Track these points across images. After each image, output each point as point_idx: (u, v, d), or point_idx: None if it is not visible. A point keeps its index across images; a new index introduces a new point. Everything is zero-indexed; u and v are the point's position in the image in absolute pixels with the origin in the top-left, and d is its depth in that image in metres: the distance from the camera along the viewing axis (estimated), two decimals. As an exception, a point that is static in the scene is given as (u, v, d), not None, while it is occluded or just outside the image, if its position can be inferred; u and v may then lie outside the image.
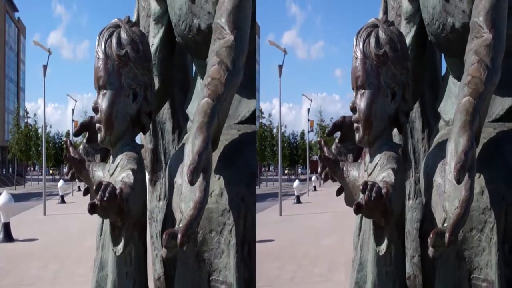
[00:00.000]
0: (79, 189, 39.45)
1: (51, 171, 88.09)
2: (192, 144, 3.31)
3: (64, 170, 11.38)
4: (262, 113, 70.45)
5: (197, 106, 3.52)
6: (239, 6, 3.80)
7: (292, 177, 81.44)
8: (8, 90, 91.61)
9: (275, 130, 63.33)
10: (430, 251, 3.11)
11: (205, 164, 3.27)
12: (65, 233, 17.56)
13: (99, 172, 3.80)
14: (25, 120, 63.92)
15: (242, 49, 3.73)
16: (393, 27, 3.60)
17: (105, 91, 3.59)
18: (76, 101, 57.83)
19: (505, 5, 3.65)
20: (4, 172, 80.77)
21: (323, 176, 3.89)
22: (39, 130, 59.39)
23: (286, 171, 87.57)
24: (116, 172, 3.56)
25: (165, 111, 4.58)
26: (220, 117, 3.50)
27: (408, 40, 4.05)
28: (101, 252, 3.60)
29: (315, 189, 43.19)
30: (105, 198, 3.04)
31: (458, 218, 3.04)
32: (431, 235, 3.02)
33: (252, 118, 4.13)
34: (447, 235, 2.99)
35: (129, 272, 3.54)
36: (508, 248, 3.45)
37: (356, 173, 3.71)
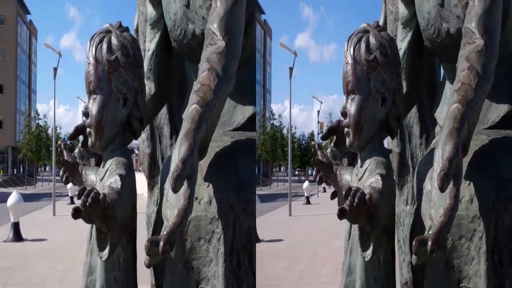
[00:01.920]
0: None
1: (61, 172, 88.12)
2: (178, 151, 3.29)
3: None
4: (273, 114, 70.61)
5: (186, 112, 3.50)
6: (231, 12, 3.76)
7: (303, 178, 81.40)
8: (20, 92, 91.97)
9: (285, 131, 63.31)
10: (413, 258, 3.12)
11: (190, 171, 3.25)
12: (74, 234, 17.53)
13: (92, 176, 3.81)
14: (36, 121, 64.06)
15: (233, 55, 3.69)
16: (384, 33, 3.58)
17: (95, 96, 3.59)
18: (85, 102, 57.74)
19: (499, 10, 3.62)
20: (15, 172, 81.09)
21: (317, 179, 3.90)
22: (50, 131, 59.53)
23: (296, 172, 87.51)
24: (105, 177, 3.56)
25: (163, 116, 4.56)
26: (209, 124, 3.47)
27: (404, 45, 4.07)
28: (90, 257, 3.60)
29: (324, 190, 43.09)
30: (87, 203, 3.01)
31: (441, 226, 3.01)
32: (414, 243, 3.00)
33: (248, 125, 4.09)
34: (429, 243, 2.96)
35: (117, 277, 3.54)
36: (498, 257, 3.40)
37: (349, 177, 3.71)
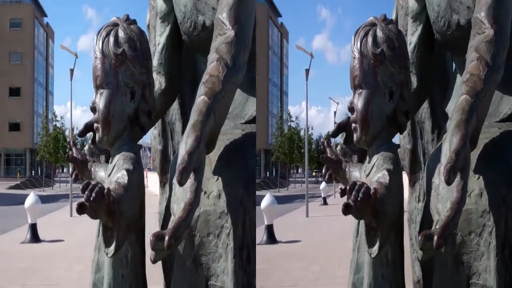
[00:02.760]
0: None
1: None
2: (185, 143, 3.25)
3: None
4: (290, 116, 70.65)
5: (194, 104, 3.44)
6: (240, 1, 3.71)
7: (320, 179, 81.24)
8: (37, 94, 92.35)
9: (302, 133, 63.27)
10: (419, 254, 3.10)
11: (197, 164, 3.20)
12: (91, 234, 17.55)
13: (101, 173, 3.78)
14: (54, 123, 64.30)
15: (243, 45, 3.63)
16: (392, 25, 3.54)
17: (102, 90, 3.55)
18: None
19: (510, 0, 3.57)
20: (33, 174, 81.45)
21: (326, 177, 3.87)
22: (67, 133, 59.74)
23: (313, 173, 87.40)
24: (113, 172, 3.51)
25: (175, 112, 4.49)
26: (217, 116, 3.41)
27: (414, 39, 4.03)
28: (98, 254, 3.57)
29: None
30: (91, 198, 2.97)
31: (448, 221, 2.97)
32: (420, 238, 2.97)
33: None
34: (435, 238, 2.92)
35: (125, 274, 3.49)
36: (509, 253, 3.34)
37: (358, 174, 3.67)
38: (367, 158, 3.55)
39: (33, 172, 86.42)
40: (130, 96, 3.57)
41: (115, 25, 3.62)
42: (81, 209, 2.98)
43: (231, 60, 3.53)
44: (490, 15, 3.48)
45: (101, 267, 3.55)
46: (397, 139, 4.56)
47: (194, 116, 3.35)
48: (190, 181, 3.18)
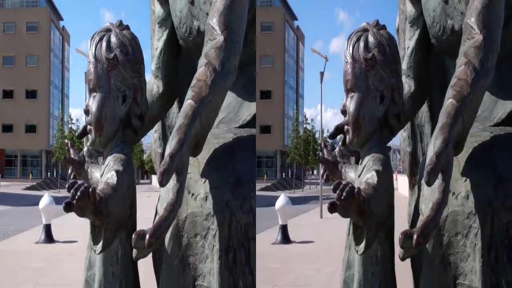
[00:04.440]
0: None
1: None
2: (169, 145, 3.29)
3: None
4: (306, 118, 70.88)
5: (182, 107, 3.50)
6: (231, 6, 3.73)
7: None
8: (53, 97, 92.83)
9: (318, 135, 63.37)
10: (400, 252, 3.12)
11: (179, 166, 3.24)
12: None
13: (97, 174, 3.86)
14: (69, 126, 64.62)
15: (233, 50, 3.65)
16: (383, 31, 3.60)
17: (95, 93, 3.63)
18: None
19: (500, 6, 3.59)
20: (48, 175, 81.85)
21: (324, 177, 3.95)
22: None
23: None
24: (104, 173, 3.59)
25: (175, 115, 4.50)
26: (204, 119, 3.45)
27: (412, 43, 4.09)
28: (90, 251, 3.62)
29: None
30: (76, 197, 3.04)
31: (428, 220, 3.02)
32: (400, 236, 3.03)
33: (253, 122, 4.07)
34: (414, 236, 2.98)
35: (115, 272, 3.56)
36: (495, 255, 3.37)
37: (353, 175, 3.75)
38: (360, 159, 3.62)
39: (48, 173, 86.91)
40: (122, 99, 3.64)
41: (108, 30, 3.70)
42: (68, 208, 3.05)
43: (219, 65, 3.57)
44: (480, 21, 3.51)
45: (93, 264, 3.63)
46: (397, 141, 4.59)
47: (180, 120, 3.40)
48: (173, 182, 3.24)
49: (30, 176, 73.88)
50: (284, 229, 15.84)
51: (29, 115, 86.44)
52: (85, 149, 4.02)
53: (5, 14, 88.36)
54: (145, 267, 3.90)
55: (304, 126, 69.71)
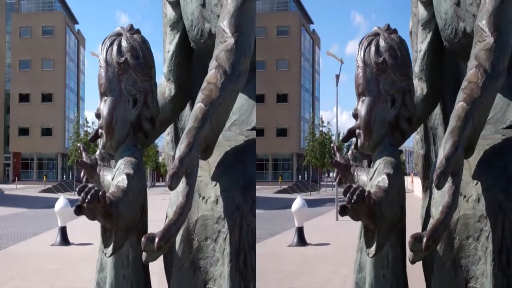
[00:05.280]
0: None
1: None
2: (178, 149, 3.30)
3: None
4: (322, 121, 71.05)
5: (192, 110, 3.49)
6: (241, 9, 3.72)
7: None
8: (69, 100, 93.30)
9: (334, 137, 63.52)
10: (410, 255, 3.13)
11: (188, 169, 3.24)
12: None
13: (109, 177, 3.88)
14: (85, 128, 64.97)
15: (243, 52, 3.64)
16: (395, 35, 3.60)
17: (106, 97, 3.64)
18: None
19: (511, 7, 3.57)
20: (64, 178, 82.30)
21: (337, 180, 3.97)
22: (98, 138, 60.25)
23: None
24: (115, 176, 3.60)
25: (187, 118, 4.44)
26: (214, 122, 3.44)
27: (424, 46, 4.07)
28: (101, 254, 3.64)
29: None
30: (86, 200, 3.05)
31: (437, 224, 3.03)
32: (409, 239, 3.04)
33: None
34: (424, 239, 2.99)
35: (126, 274, 3.57)
36: (506, 258, 3.36)
37: (365, 178, 3.76)
38: (372, 163, 3.62)
39: (64, 176, 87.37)
40: (132, 103, 3.65)
41: (118, 34, 3.71)
42: (78, 211, 3.06)
43: (230, 67, 3.55)
44: (491, 23, 3.48)
45: (104, 267, 3.66)
46: (410, 143, 4.53)
47: (190, 123, 3.40)
48: (182, 185, 3.24)
49: (44, 178, 74.22)
50: (300, 231, 15.94)
51: (45, 118, 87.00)
52: (97, 152, 4.03)
53: (21, 19, 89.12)
54: (160, 269, 3.85)
55: (320, 129, 69.96)
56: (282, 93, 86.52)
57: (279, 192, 56.84)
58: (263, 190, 58.01)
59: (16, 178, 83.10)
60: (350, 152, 3.97)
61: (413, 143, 4.60)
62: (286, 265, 12.40)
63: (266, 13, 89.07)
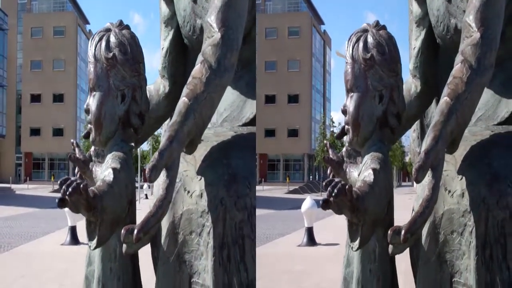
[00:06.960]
0: (146, 197, 39.76)
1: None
2: (161, 142, 3.32)
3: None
4: (333, 122, 71.04)
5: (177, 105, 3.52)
6: (229, 4, 3.72)
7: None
8: (80, 100, 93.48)
9: (345, 138, 63.59)
10: (390, 247, 3.14)
11: (169, 162, 3.27)
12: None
13: (100, 172, 3.86)
14: (331, 129, 65.68)
15: (230, 47, 3.64)
16: (383, 31, 3.63)
17: (95, 93, 3.68)
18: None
19: (500, 3, 3.57)
20: (310, 179, 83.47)
21: (330, 177, 3.90)
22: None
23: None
24: (102, 171, 3.63)
25: (433, 115, 4.39)
26: (198, 117, 3.45)
27: (418, 43, 4.08)
28: (89, 248, 3.65)
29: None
30: (67, 193, 3.08)
31: (416, 216, 3.06)
32: (389, 232, 3.07)
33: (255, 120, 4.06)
34: (402, 232, 3.02)
35: (113, 268, 3.61)
36: (489, 253, 3.37)
37: (357, 174, 3.74)
38: (361, 158, 3.66)
39: (310, 177, 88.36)
40: (121, 98, 3.68)
41: (107, 30, 3.74)
42: (61, 203, 3.11)
43: (215, 62, 3.56)
44: (478, 18, 3.49)
45: (92, 260, 3.70)
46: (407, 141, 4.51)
47: (173, 117, 3.42)
48: (162, 178, 3.27)
49: (52, 178, 74.38)
50: (310, 231, 15.95)
51: (56, 118, 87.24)
52: (92, 148, 4.03)
53: (32, 19, 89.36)
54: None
55: (331, 129, 69.89)
56: (293, 93, 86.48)
57: (290, 192, 56.84)
58: (274, 191, 58.05)
59: (28, 178, 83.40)
60: (344, 149, 3.99)
61: (410, 140, 4.61)
62: (295, 265, 12.40)
63: (277, 14, 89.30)
